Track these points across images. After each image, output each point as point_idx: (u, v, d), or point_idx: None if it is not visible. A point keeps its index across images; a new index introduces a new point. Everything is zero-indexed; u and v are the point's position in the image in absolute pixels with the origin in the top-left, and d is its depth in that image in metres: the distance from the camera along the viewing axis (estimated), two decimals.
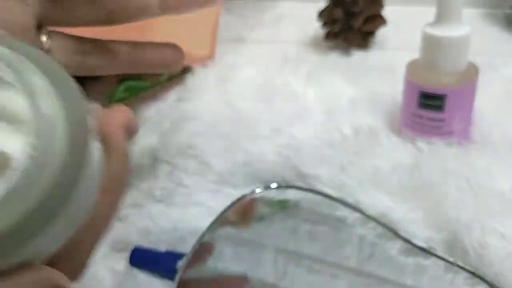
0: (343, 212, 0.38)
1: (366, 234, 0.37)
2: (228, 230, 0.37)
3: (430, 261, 0.34)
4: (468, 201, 0.35)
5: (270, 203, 0.39)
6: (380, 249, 0.33)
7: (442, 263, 0.34)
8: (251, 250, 0.34)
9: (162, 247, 0.37)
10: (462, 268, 0.33)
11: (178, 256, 0.35)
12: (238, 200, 0.39)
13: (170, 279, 0.34)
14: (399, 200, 0.38)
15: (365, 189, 0.39)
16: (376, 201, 0.38)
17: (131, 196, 0.42)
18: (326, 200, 0.39)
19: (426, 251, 0.35)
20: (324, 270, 0.31)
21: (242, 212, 0.39)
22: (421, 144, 0.41)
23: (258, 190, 0.40)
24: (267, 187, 0.40)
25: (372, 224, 0.37)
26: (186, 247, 0.36)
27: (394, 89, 0.47)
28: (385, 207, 0.37)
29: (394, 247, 0.36)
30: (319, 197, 0.40)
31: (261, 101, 0.48)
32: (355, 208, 0.38)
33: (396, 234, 0.36)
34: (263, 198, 0.39)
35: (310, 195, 0.40)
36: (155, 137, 0.46)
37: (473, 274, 0.33)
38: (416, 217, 0.36)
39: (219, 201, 0.40)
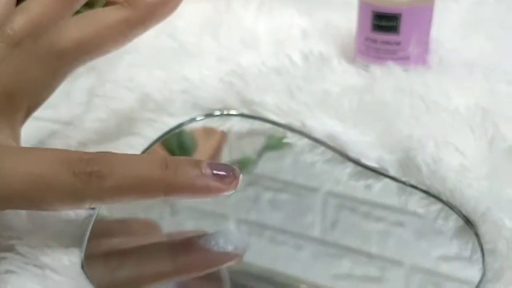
0: (290, 139, 0.35)
1: (316, 159, 0.34)
2: (186, 201, 0.33)
3: (382, 183, 0.32)
4: (422, 118, 0.33)
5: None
6: (344, 216, 0.30)
7: (394, 185, 0.31)
8: (213, 222, 0.32)
9: None
10: (415, 187, 0.31)
11: None
12: (175, 128, 0.36)
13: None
14: (349, 124, 0.35)
15: (314, 114, 0.36)
16: (325, 125, 0.35)
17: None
18: (273, 127, 0.36)
19: (377, 172, 0.32)
20: (287, 240, 0.29)
21: None
22: (375, 69, 0.39)
23: (199, 118, 0.37)
24: (209, 115, 0.37)
25: (321, 149, 0.34)
26: None
27: (350, 22, 0.44)
28: (334, 131, 0.34)
29: (344, 172, 0.33)
30: (266, 125, 0.36)
31: (208, 35, 0.45)
32: (302, 133, 0.35)
33: (345, 156, 0.33)
34: (221, 159, 0.36)
35: (256, 123, 0.37)
36: (92, 73, 0.43)
37: (427, 193, 0.30)
38: (367, 139, 0.33)
39: (155, 130, 0.36)
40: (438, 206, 0.30)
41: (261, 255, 0.27)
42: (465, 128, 0.31)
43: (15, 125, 0.28)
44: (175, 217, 0.33)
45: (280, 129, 0.35)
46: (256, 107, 0.37)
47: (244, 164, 0.34)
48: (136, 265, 0.28)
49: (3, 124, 0.27)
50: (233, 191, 0.26)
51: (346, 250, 0.28)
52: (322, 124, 0.35)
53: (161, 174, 0.25)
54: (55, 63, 0.29)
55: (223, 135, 0.36)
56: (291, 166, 0.33)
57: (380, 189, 0.32)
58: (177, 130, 0.36)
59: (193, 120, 0.37)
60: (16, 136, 0.29)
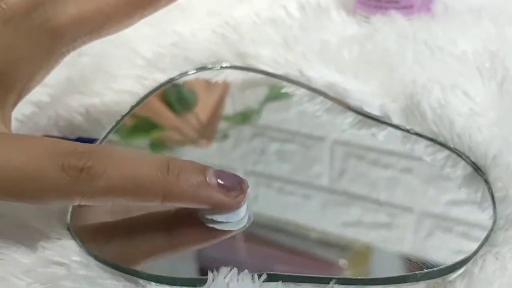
0: (289, 89, 0.33)
1: (315, 109, 0.32)
2: (192, 153, 0.32)
3: (385, 132, 0.30)
4: (426, 63, 0.31)
5: (228, 117, 0.34)
6: (352, 164, 0.28)
7: (398, 133, 0.29)
8: None
9: (75, 134, 0.32)
10: (420, 135, 0.29)
11: (89, 141, 0.30)
12: (165, 83, 0.34)
13: None
14: (349, 75, 0.33)
15: (312, 65, 0.34)
16: (324, 76, 0.33)
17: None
18: (269, 78, 0.34)
19: (380, 121, 0.30)
20: (295, 191, 0.27)
21: (201, 128, 0.34)
22: (376, 19, 0.37)
23: (190, 72, 0.35)
24: (201, 68, 0.35)
25: (320, 98, 0.32)
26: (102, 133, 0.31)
27: None
28: (334, 80, 0.32)
29: (346, 121, 0.31)
30: (261, 77, 0.35)
31: None
32: (299, 84, 0.33)
33: (346, 105, 0.31)
34: (223, 113, 0.34)
35: (250, 75, 0.35)
36: None
37: (433, 140, 0.28)
38: (368, 89, 0.32)
39: (145, 88, 0.34)
40: (445, 153, 0.28)
41: (270, 205, 0.26)
42: (473, 72, 0.30)
43: (5, 108, 0.26)
44: None
45: (277, 80, 0.34)
46: (251, 61, 0.35)
47: (247, 116, 0.32)
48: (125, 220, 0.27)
49: None
50: (236, 207, 0.24)
51: (354, 198, 0.27)
52: (321, 74, 0.33)
53: (161, 178, 0.22)
54: (49, 41, 0.26)
55: (225, 88, 0.35)
56: (296, 116, 0.32)
57: (384, 138, 0.30)
58: (168, 85, 0.34)
59: (184, 74, 0.35)
60: (6, 119, 0.26)
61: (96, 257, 0.24)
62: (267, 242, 0.25)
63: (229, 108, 0.33)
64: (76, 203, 0.23)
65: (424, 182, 0.27)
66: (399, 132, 0.29)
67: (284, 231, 0.26)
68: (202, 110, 0.34)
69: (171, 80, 0.34)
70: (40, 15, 0.25)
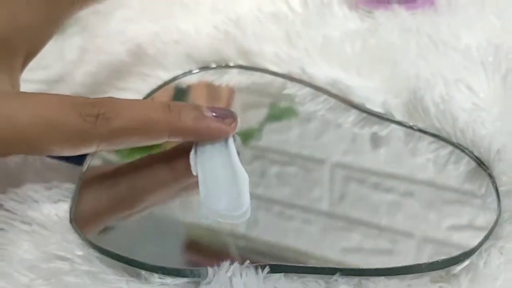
0: (291, 89, 0.33)
1: (318, 109, 0.32)
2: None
3: (388, 130, 0.30)
4: (430, 57, 0.30)
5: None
6: (352, 188, 0.28)
7: (401, 131, 0.29)
8: None
9: None
10: (423, 131, 0.29)
11: None
12: (169, 81, 0.34)
13: (77, 164, 0.29)
14: (352, 71, 0.33)
15: (314, 61, 0.34)
16: (327, 72, 0.33)
17: None
18: (273, 78, 0.34)
19: (383, 118, 0.30)
20: (296, 215, 0.28)
21: None
22: (379, 13, 0.36)
23: (194, 71, 0.35)
24: (205, 68, 0.35)
25: (323, 97, 0.32)
26: None
27: None
28: (336, 77, 0.32)
29: (348, 120, 0.31)
30: (265, 76, 0.34)
31: None
32: (302, 82, 0.33)
33: (348, 103, 0.31)
34: None
35: (255, 75, 0.35)
36: (84, 31, 0.41)
37: (436, 136, 0.28)
38: (371, 84, 0.31)
39: (148, 85, 0.34)
40: (448, 149, 0.28)
41: (270, 230, 0.27)
42: (477, 66, 0.29)
43: (13, 72, 0.27)
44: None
45: (280, 79, 0.33)
46: (254, 57, 0.35)
47: (248, 136, 0.32)
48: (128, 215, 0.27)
49: (0, 72, 0.26)
50: (233, 132, 0.27)
51: (355, 223, 0.27)
52: (323, 71, 0.33)
53: (165, 116, 0.26)
54: (48, 8, 0.28)
55: (228, 99, 0.35)
56: (296, 138, 0.32)
57: (386, 137, 0.30)
58: (176, 86, 0.34)
59: (188, 73, 0.35)
60: (15, 83, 0.27)
61: (99, 249, 0.24)
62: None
63: None
64: (94, 148, 0.25)
65: (426, 205, 0.27)
66: (401, 130, 0.29)
67: (283, 258, 0.25)
68: None
69: (174, 79, 0.34)
70: None
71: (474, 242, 0.23)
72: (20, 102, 0.24)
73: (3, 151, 0.24)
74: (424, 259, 0.24)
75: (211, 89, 0.35)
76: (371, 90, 0.31)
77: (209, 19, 0.37)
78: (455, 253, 0.23)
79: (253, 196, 0.26)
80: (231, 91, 0.35)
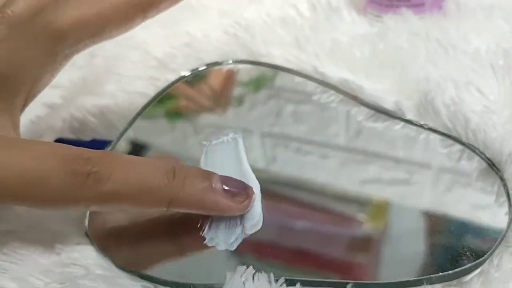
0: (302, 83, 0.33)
1: (329, 101, 0.32)
2: (208, 118, 0.33)
3: (399, 126, 0.29)
4: (440, 61, 0.31)
5: (242, 83, 0.34)
6: (369, 124, 0.29)
7: (413, 128, 0.29)
8: None
9: (89, 136, 0.32)
10: (433, 130, 0.28)
11: (104, 143, 0.30)
12: (175, 81, 0.34)
13: None
14: (361, 75, 0.33)
15: (324, 64, 0.34)
16: (338, 75, 0.33)
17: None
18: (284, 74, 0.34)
19: (394, 116, 0.30)
20: (313, 150, 0.28)
21: (215, 96, 0.34)
22: (388, 18, 0.36)
23: (201, 68, 0.35)
24: (212, 64, 0.35)
25: (332, 92, 0.32)
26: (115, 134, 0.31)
27: None
28: (347, 79, 0.32)
29: (360, 113, 0.31)
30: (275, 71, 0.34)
31: None
32: (314, 79, 0.33)
33: (359, 101, 0.31)
34: (236, 79, 0.34)
35: (261, 69, 0.35)
36: None
37: (448, 136, 0.28)
38: (381, 87, 0.31)
39: (157, 88, 0.35)
40: (459, 147, 0.28)
41: (288, 165, 0.26)
42: (487, 69, 0.29)
43: (13, 112, 0.26)
44: (198, 136, 0.31)
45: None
46: (263, 60, 0.35)
47: (262, 81, 0.32)
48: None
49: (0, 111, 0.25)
50: (244, 212, 0.24)
51: (372, 156, 0.27)
52: (333, 73, 0.33)
53: (167, 184, 0.23)
54: (52, 44, 0.26)
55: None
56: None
57: (398, 131, 0.30)
58: (176, 91, 0.34)
59: (195, 71, 0.35)
60: (15, 123, 0.26)
61: (114, 263, 0.24)
62: (286, 199, 0.26)
63: (244, 75, 0.33)
64: (81, 209, 0.23)
65: (442, 140, 0.27)
66: (413, 128, 0.29)
67: (303, 189, 0.26)
68: (216, 78, 0.34)
69: (181, 78, 0.34)
70: (43, 19, 0.26)
71: (486, 246, 0.23)
72: (12, 151, 0.22)
73: None
74: (441, 188, 0.25)
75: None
76: (381, 92, 0.31)
77: (217, 23, 0.38)
78: (473, 183, 0.24)
79: (269, 134, 0.27)
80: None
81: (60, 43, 0.26)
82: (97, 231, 0.26)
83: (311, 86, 0.32)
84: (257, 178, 0.25)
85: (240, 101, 0.33)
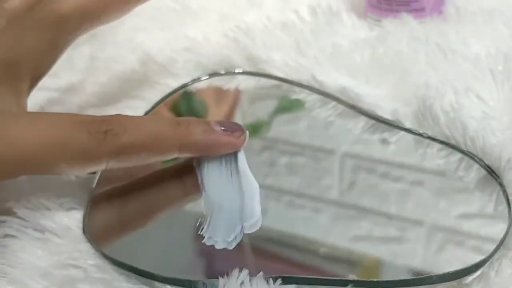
0: (300, 95, 0.33)
1: (327, 114, 0.32)
2: None
3: (397, 136, 0.30)
4: (439, 66, 0.31)
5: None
6: (362, 177, 0.29)
7: (411, 137, 0.29)
8: None
9: None
10: (433, 139, 0.29)
11: None
12: (178, 89, 0.35)
13: None
14: (361, 79, 0.33)
15: (324, 69, 0.34)
16: (336, 80, 0.33)
17: None
18: (280, 83, 0.34)
19: (392, 125, 0.30)
20: (305, 204, 0.28)
21: None
22: (388, 22, 0.37)
23: (203, 78, 0.35)
24: (213, 74, 0.35)
25: (332, 103, 0.32)
26: None
27: None
28: (346, 85, 0.32)
29: (358, 126, 0.31)
30: (272, 82, 0.35)
31: None
32: (312, 89, 0.33)
33: (358, 110, 0.31)
34: None
35: (262, 80, 0.35)
36: (93, 40, 0.41)
37: (446, 144, 0.28)
38: (381, 92, 0.32)
39: (158, 92, 0.35)
40: (458, 156, 0.28)
41: (280, 219, 0.27)
42: (486, 75, 0.29)
43: (20, 95, 0.27)
44: None
45: (288, 85, 0.34)
46: (263, 65, 0.35)
47: (257, 128, 0.32)
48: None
49: (7, 94, 0.26)
50: (242, 145, 0.27)
51: (365, 212, 0.27)
52: (333, 79, 0.33)
53: (174, 130, 0.25)
54: (55, 30, 0.28)
55: (235, 98, 0.35)
56: (305, 128, 0.32)
57: (396, 143, 0.30)
58: (181, 91, 0.34)
59: (196, 80, 0.35)
60: (23, 106, 0.27)
61: (112, 261, 0.24)
62: (276, 256, 0.26)
63: (239, 119, 0.33)
64: (103, 165, 0.24)
65: (435, 194, 0.27)
66: (411, 137, 0.29)
67: (293, 246, 0.26)
68: None
69: (184, 86, 0.35)
70: (43, 8, 0.28)
71: (486, 249, 0.23)
72: (26, 122, 0.24)
73: (11, 173, 0.24)
74: (434, 247, 0.25)
75: (218, 92, 0.35)
76: (380, 98, 0.31)
77: (217, 27, 0.38)
78: (466, 240, 0.23)
79: (262, 186, 0.26)
80: (237, 93, 0.35)
81: (61, 30, 0.28)
82: (94, 229, 0.26)
83: (310, 99, 0.32)
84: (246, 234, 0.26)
85: None
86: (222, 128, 0.27)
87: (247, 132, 0.27)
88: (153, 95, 0.34)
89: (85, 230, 0.26)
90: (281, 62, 0.35)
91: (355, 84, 0.32)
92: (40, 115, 0.25)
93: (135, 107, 0.34)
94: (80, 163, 0.24)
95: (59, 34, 0.28)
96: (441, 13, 0.38)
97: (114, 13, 0.30)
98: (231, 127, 0.27)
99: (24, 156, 0.23)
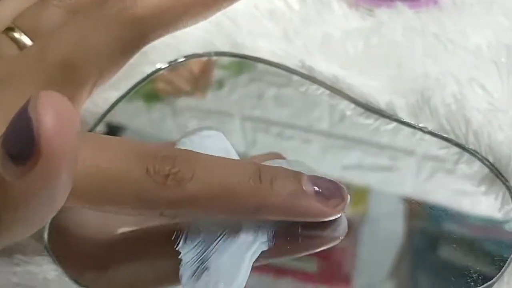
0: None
1: (318, 93, 0.30)
2: (187, 102, 0.31)
3: (392, 125, 0.27)
4: (438, 56, 0.29)
5: (223, 66, 0.32)
6: (353, 110, 0.27)
7: (406, 130, 0.27)
8: (217, 120, 0.29)
9: None
10: (432, 134, 0.26)
11: None
12: (152, 74, 0.32)
13: None
14: (354, 71, 0.30)
15: (314, 59, 0.31)
16: (327, 71, 0.31)
17: None
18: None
19: (385, 116, 0.27)
20: (295, 135, 0.27)
21: (194, 80, 0.32)
22: (381, 11, 0.34)
23: (180, 60, 0.32)
24: (192, 56, 0.33)
25: (321, 89, 0.30)
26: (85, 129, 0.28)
27: None
28: (338, 75, 0.30)
29: (350, 107, 0.29)
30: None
31: None
32: (301, 74, 0.31)
33: (351, 99, 0.29)
34: (216, 62, 0.32)
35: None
36: None
37: (446, 139, 0.26)
38: (375, 84, 0.29)
39: (134, 81, 0.32)
40: (458, 151, 0.26)
41: (269, 150, 0.25)
42: (489, 66, 0.27)
43: (76, 105, 0.23)
44: (177, 118, 0.30)
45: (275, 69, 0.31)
46: (248, 53, 0.32)
47: (243, 64, 0.31)
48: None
49: None
50: (338, 215, 0.21)
51: (355, 142, 0.26)
52: (323, 69, 0.30)
53: (255, 187, 0.20)
54: (126, 32, 0.23)
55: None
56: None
57: (390, 131, 0.28)
58: (154, 76, 0.32)
59: (174, 62, 0.32)
60: None
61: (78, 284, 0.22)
62: None
63: (224, 59, 0.31)
64: (158, 213, 0.20)
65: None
66: (407, 129, 0.27)
67: None
68: (195, 62, 0.32)
69: (158, 70, 0.32)
70: (116, 4, 0.23)
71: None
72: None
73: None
74: (424, 175, 0.24)
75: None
76: (374, 89, 0.29)
77: None
78: (456, 169, 0.23)
79: (250, 118, 0.25)
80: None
81: (134, 31, 0.23)
82: (58, 246, 0.23)
83: (297, 79, 0.30)
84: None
85: (220, 84, 0.31)
86: (316, 188, 0.21)
87: (349, 198, 0.22)
88: (129, 83, 0.32)
89: (47, 246, 0.23)
90: (267, 50, 0.32)
91: (348, 75, 0.30)
92: (92, 139, 0.20)
93: (110, 98, 0.31)
94: (132, 205, 0.19)
95: (131, 36, 0.23)
96: (436, 3, 0.36)
97: (193, 18, 0.25)
98: (328, 190, 0.21)
99: (76, 189, 0.18)
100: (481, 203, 0.24)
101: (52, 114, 0.14)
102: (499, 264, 0.21)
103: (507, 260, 0.21)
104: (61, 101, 0.14)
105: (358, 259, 0.22)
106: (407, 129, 0.27)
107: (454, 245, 0.23)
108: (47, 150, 0.14)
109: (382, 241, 0.23)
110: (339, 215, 0.21)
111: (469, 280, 0.21)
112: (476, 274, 0.21)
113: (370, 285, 0.22)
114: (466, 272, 0.21)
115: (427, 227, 0.24)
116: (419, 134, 0.26)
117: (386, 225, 0.23)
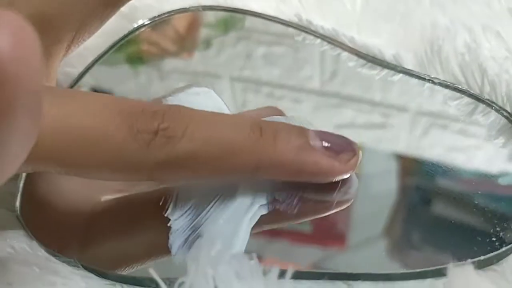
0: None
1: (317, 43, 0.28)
2: (174, 64, 0.29)
3: (399, 76, 0.25)
4: (447, 5, 0.26)
5: (209, 25, 0.30)
6: (344, 67, 0.26)
7: (414, 81, 0.25)
8: (205, 82, 0.27)
9: None
10: (441, 84, 0.24)
11: None
12: (134, 30, 0.29)
13: None
14: (353, 29, 0.28)
15: (309, 16, 0.29)
16: (327, 27, 0.28)
17: None
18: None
19: (391, 67, 0.25)
20: (286, 95, 0.26)
21: (180, 39, 0.30)
22: None
23: (164, 16, 0.30)
24: (176, 11, 0.30)
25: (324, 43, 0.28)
26: None
27: None
28: (338, 31, 0.28)
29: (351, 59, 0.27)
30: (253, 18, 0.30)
31: None
32: (301, 28, 0.28)
33: (355, 53, 0.26)
34: (203, 20, 0.30)
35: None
36: None
37: (459, 90, 0.24)
38: (378, 41, 0.27)
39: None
40: (471, 101, 0.24)
41: None
42: (504, 15, 0.25)
43: (51, 62, 0.21)
44: (164, 81, 0.28)
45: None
46: None
47: (230, 22, 0.29)
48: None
49: None
50: (351, 173, 0.19)
51: (347, 100, 0.25)
52: (320, 26, 0.28)
53: (256, 142, 0.17)
54: None
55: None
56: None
57: (397, 83, 0.26)
58: (137, 37, 0.29)
59: (154, 19, 0.29)
60: (52, 75, 0.21)
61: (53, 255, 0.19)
62: None
63: (210, 16, 0.29)
64: (144, 177, 0.17)
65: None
66: (414, 81, 0.25)
67: None
68: (180, 20, 0.30)
69: (140, 27, 0.29)
70: None
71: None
72: (49, 103, 0.16)
73: (27, 167, 0.17)
74: (418, 131, 0.23)
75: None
76: (378, 45, 0.26)
77: None
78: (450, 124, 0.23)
79: (239, 78, 0.24)
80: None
81: None
82: (30, 215, 0.21)
83: (301, 37, 0.28)
84: None
85: (207, 44, 0.29)
86: (325, 143, 0.18)
87: (360, 154, 0.19)
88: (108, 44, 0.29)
89: (19, 215, 0.21)
90: (259, 10, 0.30)
91: (348, 32, 0.28)
92: (71, 94, 0.18)
93: (85, 56, 0.28)
94: (115, 171, 0.17)
95: None
96: None
97: None
98: (338, 144, 0.19)
99: (43, 149, 0.16)
100: (498, 155, 0.22)
101: (7, 35, 0.11)
102: (493, 220, 0.20)
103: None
104: (20, 23, 0.12)
105: (352, 217, 0.21)
106: (415, 80, 0.24)
107: (451, 202, 0.21)
108: None
109: (376, 198, 0.22)
110: (351, 173, 0.19)
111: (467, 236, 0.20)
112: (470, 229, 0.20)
113: (365, 242, 0.21)
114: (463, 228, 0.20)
115: (421, 183, 0.23)
116: (427, 85, 0.24)
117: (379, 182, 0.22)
